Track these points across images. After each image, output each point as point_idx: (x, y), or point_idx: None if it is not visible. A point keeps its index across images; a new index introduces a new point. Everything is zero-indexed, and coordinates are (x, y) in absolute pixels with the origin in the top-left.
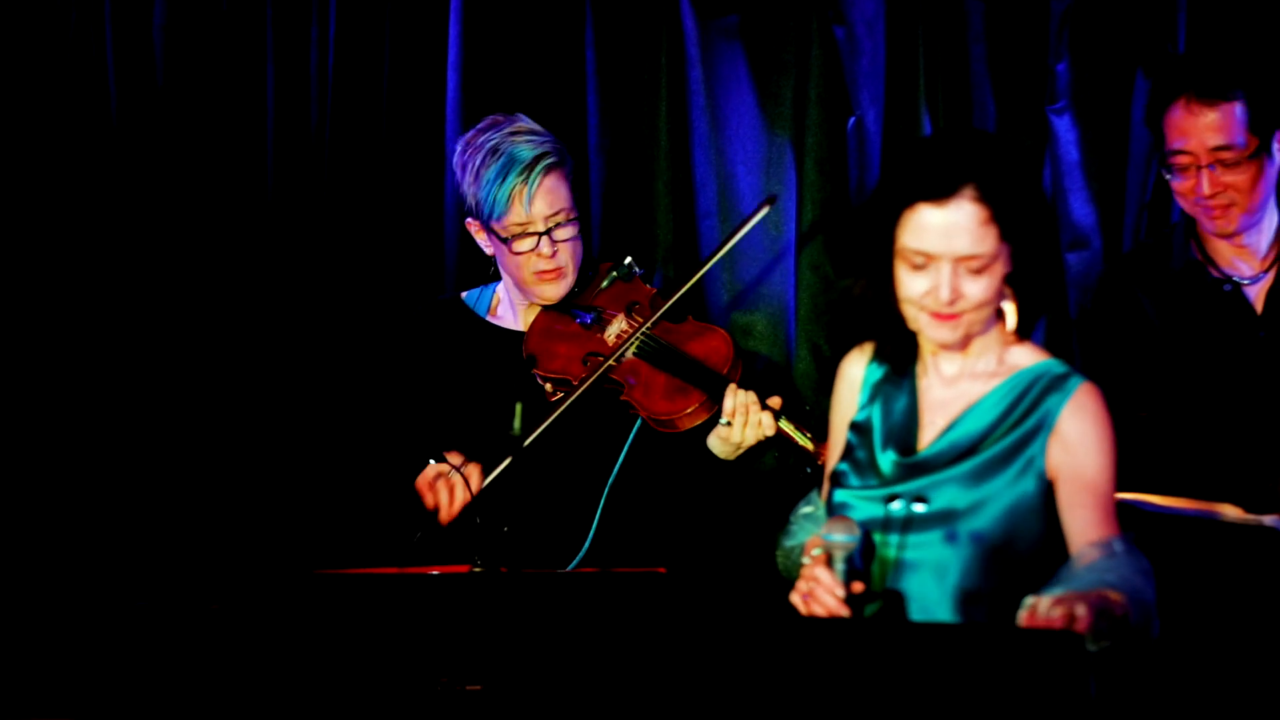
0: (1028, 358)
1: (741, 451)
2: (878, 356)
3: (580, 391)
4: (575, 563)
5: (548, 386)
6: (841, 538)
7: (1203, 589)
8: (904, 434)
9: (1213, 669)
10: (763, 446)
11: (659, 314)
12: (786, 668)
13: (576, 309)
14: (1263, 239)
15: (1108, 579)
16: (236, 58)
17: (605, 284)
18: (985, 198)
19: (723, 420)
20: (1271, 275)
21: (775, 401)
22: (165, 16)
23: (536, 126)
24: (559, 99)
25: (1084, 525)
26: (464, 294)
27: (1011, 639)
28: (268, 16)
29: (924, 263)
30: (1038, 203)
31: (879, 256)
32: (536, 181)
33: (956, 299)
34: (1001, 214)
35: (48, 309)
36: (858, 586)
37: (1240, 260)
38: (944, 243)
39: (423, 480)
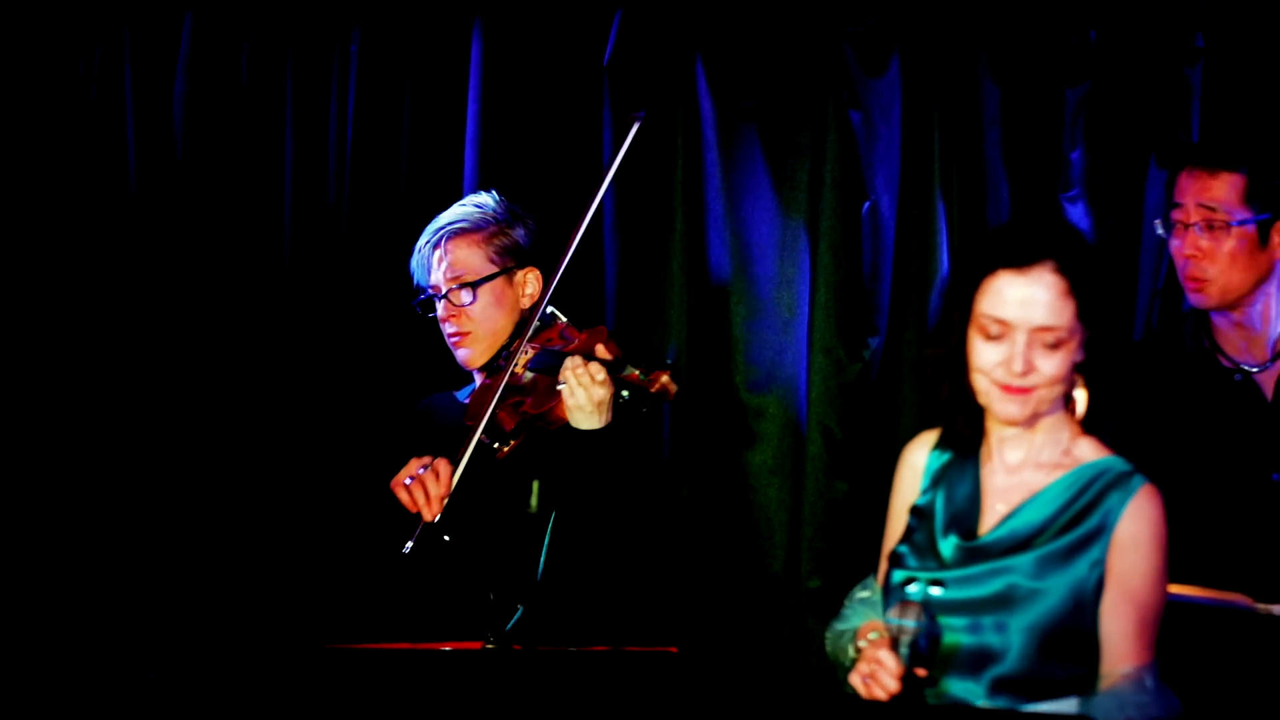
0: (1092, 452)
1: (604, 409)
2: (943, 441)
3: (490, 412)
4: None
5: (484, 438)
6: (909, 622)
7: (1213, 678)
8: (966, 519)
9: None
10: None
11: (550, 289)
12: None
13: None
14: (1271, 328)
15: (1132, 715)
16: (256, 130)
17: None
18: (1065, 270)
19: (560, 385)
20: None
21: (603, 351)
22: (185, 88)
23: (482, 198)
24: (575, 177)
25: (1120, 639)
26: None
27: None
28: (287, 90)
29: (1000, 333)
30: (1111, 290)
31: (957, 325)
32: (430, 247)
33: (1029, 371)
34: (1080, 290)
35: (68, 378)
36: (921, 672)
37: (1249, 347)
38: (1021, 311)
39: (396, 484)
